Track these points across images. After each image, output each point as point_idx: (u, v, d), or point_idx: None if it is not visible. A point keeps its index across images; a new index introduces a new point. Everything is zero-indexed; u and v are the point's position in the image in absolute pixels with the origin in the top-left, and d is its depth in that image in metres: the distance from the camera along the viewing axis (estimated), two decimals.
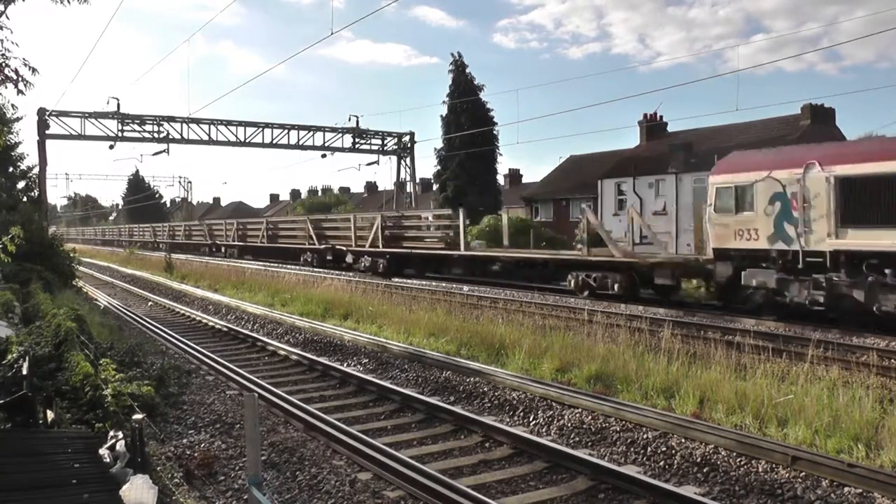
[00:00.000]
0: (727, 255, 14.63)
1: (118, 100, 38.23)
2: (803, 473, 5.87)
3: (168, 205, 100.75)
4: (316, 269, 28.48)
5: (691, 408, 7.66)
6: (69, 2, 9.42)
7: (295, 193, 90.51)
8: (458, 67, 43.37)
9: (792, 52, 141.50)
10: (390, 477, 6.14)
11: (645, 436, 7.01)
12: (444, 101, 43.52)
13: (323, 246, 30.10)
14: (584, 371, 9.24)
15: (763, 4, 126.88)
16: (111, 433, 5.28)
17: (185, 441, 7.15)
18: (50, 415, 5.90)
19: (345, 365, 11.11)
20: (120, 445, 4.90)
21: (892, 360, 9.84)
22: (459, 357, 10.72)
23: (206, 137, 38.70)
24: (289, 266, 31.14)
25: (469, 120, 41.32)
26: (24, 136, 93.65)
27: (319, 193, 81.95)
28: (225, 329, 15.33)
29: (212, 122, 38.53)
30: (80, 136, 35.98)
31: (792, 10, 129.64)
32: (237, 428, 7.62)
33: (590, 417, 7.66)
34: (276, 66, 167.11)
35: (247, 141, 39.49)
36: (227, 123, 38.95)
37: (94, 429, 5.91)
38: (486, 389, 9.04)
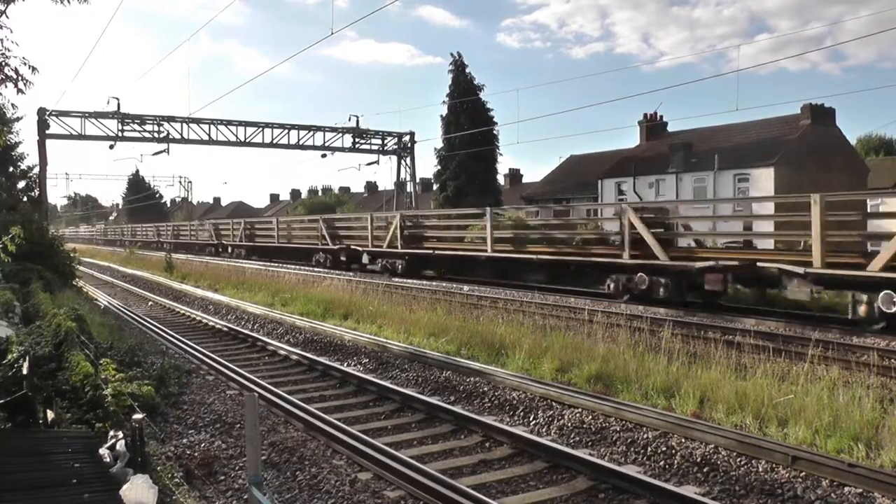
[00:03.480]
0: None
1: (118, 99, 38.30)
2: (803, 473, 5.87)
3: (168, 205, 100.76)
4: (316, 269, 28.30)
5: (691, 408, 7.66)
6: (69, 2, 9.42)
7: (295, 193, 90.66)
8: (458, 67, 43.47)
9: (795, 52, 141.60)
10: (390, 477, 6.14)
11: (645, 436, 7.01)
12: (444, 101, 43.67)
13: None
14: (584, 371, 9.23)
15: (767, 4, 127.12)
16: (111, 433, 5.28)
17: (185, 441, 7.15)
18: (50, 415, 5.90)
19: (345, 365, 11.11)
20: (120, 445, 4.90)
21: (893, 360, 9.84)
22: (459, 357, 10.71)
23: (206, 137, 38.75)
24: (289, 266, 31.06)
25: (469, 120, 41.41)
26: (25, 136, 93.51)
27: (320, 193, 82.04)
28: (225, 329, 15.32)
29: (212, 121, 38.56)
30: (81, 136, 36.01)
31: (796, 9, 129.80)
32: (237, 428, 7.62)
33: (590, 417, 7.66)
34: (278, 65, 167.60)
35: (247, 141, 39.54)
36: (227, 123, 38.99)
37: (94, 429, 5.91)
38: (486, 389, 9.04)
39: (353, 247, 27.96)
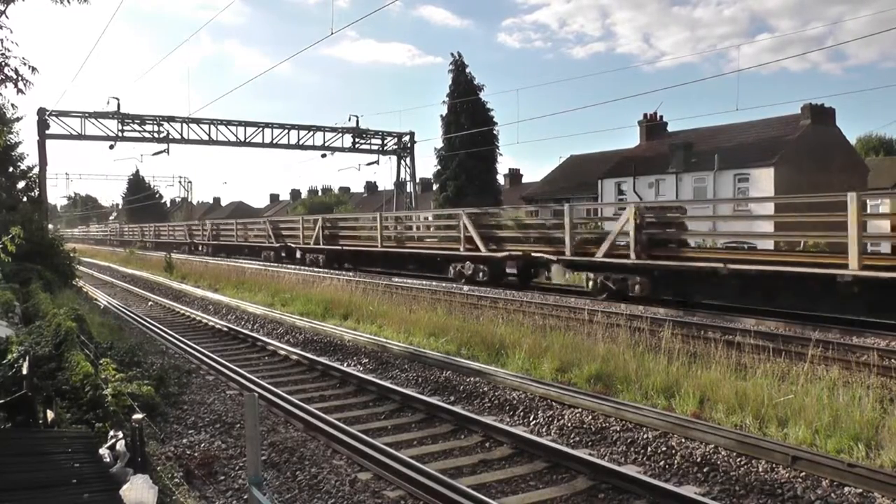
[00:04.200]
0: None
1: (118, 100, 38.28)
2: (803, 473, 5.87)
3: (168, 205, 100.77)
4: (316, 269, 27.91)
5: (691, 408, 7.66)
6: (69, 1, 9.42)
7: (295, 193, 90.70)
8: (458, 67, 43.50)
9: (796, 52, 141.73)
10: (390, 477, 6.14)
11: (645, 436, 7.01)
12: (444, 101, 43.69)
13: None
14: (585, 371, 9.24)
15: (768, 4, 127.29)
16: (111, 433, 5.28)
17: (185, 441, 7.15)
18: (50, 414, 5.90)
19: (345, 365, 11.11)
20: (120, 445, 4.90)
21: (892, 360, 9.83)
22: (459, 357, 10.71)
23: (206, 137, 38.72)
24: (289, 266, 30.92)
25: (469, 120, 41.43)
26: (25, 136, 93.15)
27: (320, 193, 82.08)
28: (225, 329, 15.33)
29: (212, 121, 38.55)
30: (80, 136, 35.98)
31: (797, 9, 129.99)
32: (237, 428, 7.62)
33: (590, 417, 7.66)
34: (278, 65, 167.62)
35: (247, 141, 39.51)
36: (227, 123, 38.97)
37: (94, 428, 5.91)
38: (486, 389, 9.04)
39: (533, 254, 19.43)
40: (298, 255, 32.82)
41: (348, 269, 28.14)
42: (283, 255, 34.53)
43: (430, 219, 27.85)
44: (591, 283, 17.80)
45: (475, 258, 21.35)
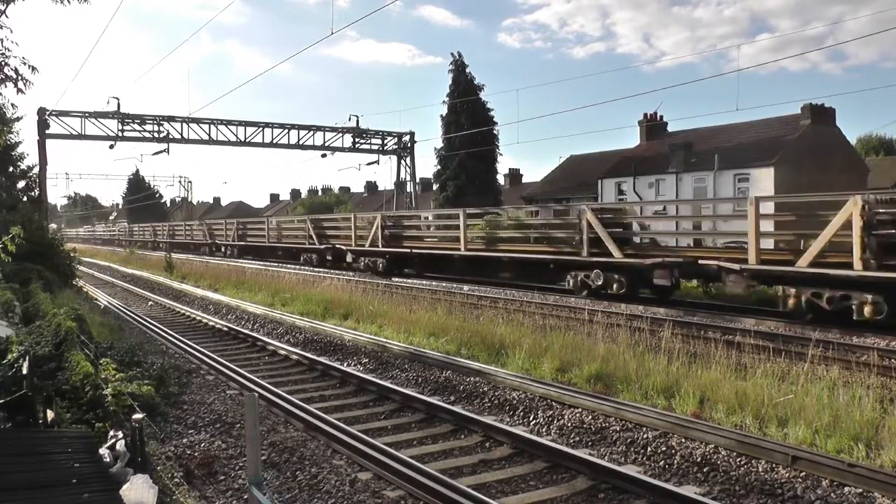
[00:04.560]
0: None
1: (118, 99, 38.29)
2: (803, 473, 5.88)
3: (168, 204, 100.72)
4: (317, 269, 28.01)
5: (691, 408, 7.66)
6: (69, 1, 9.43)
7: (295, 193, 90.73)
8: (458, 67, 43.49)
9: (796, 52, 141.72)
10: (390, 477, 6.14)
11: (645, 435, 7.01)
12: (444, 101, 43.68)
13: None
14: (585, 371, 9.24)
15: (768, 4, 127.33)
16: (111, 433, 5.29)
17: (185, 441, 7.15)
18: (50, 414, 5.90)
19: (345, 364, 11.11)
20: (120, 445, 4.90)
21: (893, 360, 9.84)
22: (459, 357, 10.71)
23: (206, 137, 38.70)
24: (288, 266, 30.90)
25: (469, 120, 41.43)
26: (25, 136, 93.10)
27: (320, 193, 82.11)
28: (225, 329, 15.33)
29: (212, 121, 38.53)
30: (81, 136, 35.97)
31: (797, 9, 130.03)
32: (237, 427, 7.62)
33: (590, 417, 7.66)
34: (278, 65, 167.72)
35: (247, 141, 39.50)
36: (228, 123, 38.95)
37: (94, 428, 5.91)
38: (486, 389, 9.04)
39: (701, 261, 15.09)
40: (349, 258, 27.82)
41: (409, 274, 24.49)
42: (329, 258, 29.35)
43: (527, 217, 22.46)
44: (790, 301, 13.13)
45: (606, 265, 16.73)
